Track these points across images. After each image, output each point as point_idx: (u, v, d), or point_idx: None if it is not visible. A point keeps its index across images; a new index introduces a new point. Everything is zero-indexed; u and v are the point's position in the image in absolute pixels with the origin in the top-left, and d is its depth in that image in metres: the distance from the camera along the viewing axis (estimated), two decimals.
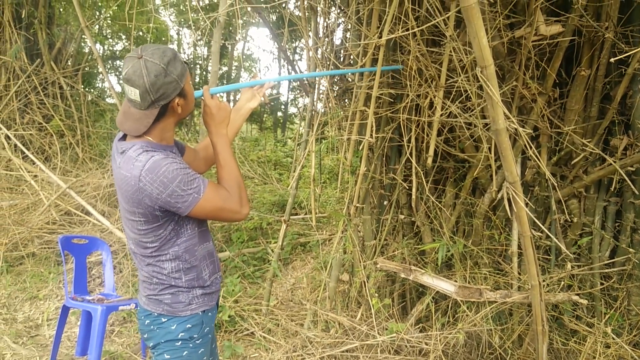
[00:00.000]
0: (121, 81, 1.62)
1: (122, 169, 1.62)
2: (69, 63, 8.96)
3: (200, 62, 14.88)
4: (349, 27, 3.81)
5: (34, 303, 4.39)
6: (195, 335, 1.79)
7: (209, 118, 1.80)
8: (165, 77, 1.57)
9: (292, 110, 17.43)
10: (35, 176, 6.36)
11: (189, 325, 1.78)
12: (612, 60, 2.68)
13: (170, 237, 1.72)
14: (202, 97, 1.82)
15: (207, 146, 2.07)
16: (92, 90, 11.12)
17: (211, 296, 1.87)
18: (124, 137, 1.75)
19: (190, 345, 1.78)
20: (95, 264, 4.94)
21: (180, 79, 1.62)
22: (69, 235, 3.55)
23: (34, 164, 6.64)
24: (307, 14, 3.94)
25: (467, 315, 3.37)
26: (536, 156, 2.78)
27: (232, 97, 13.62)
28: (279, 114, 17.36)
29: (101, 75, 11.34)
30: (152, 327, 1.80)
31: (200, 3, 11.58)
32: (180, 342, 1.77)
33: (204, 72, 14.89)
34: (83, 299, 3.26)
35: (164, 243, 1.72)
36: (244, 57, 16.82)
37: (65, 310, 3.30)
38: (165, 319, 1.77)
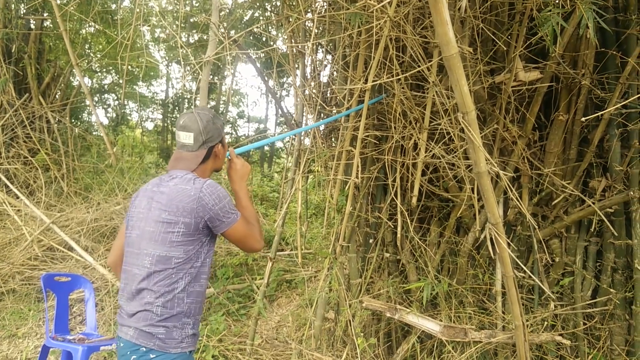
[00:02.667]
0: (175, 130, 2.05)
1: (180, 184, 1.92)
2: (57, 97, 8.98)
3: (188, 96, 15.01)
4: (336, 69, 3.92)
5: (13, 341, 4.29)
6: None
7: (233, 172, 2.18)
8: (213, 124, 2.05)
9: (278, 144, 17.55)
10: (19, 210, 6.28)
11: None
12: (583, 119, 2.78)
13: (193, 256, 1.92)
14: (229, 157, 2.20)
15: None
16: (79, 123, 11.11)
17: (195, 338, 1.97)
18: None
19: None
20: (76, 302, 4.85)
21: (221, 129, 2.10)
22: (51, 272, 3.50)
23: (17, 198, 6.58)
24: (295, 55, 4.05)
25: (452, 355, 3.36)
26: (517, 198, 2.85)
27: None
28: (266, 148, 17.47)
29: (89, 108, 11.37)
30: None
31: (191, 40, 11.78)
32: None
33: (192, 107, 15.00)
34: (64, 339, 3.20)
35: (187, 261, 1.90)
36: (232, 92, 16.99)
37: (45, 349, 3.23)
38: (154, 355, 1.82)
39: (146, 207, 1.97)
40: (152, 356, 1.82)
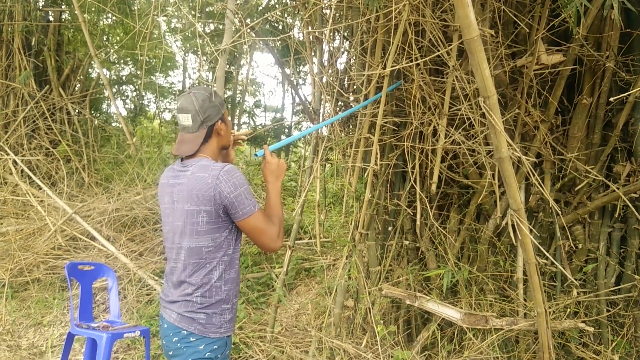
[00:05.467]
0: (175, 113, 2.04)
1: (197, 173, 1.92)
2: (77, 89, 9.08)
3: (205, 86, 15.01)
4: (354, 56, 3.88)
5: (39, 329, 4.38)
6: (219, 356, 1.99)
7: (268, 172, 2.14)
8: (210, 102, 2.02)
9: (295, 133, 17.52)
10: (42, 201, 6.39)
11: (216, 347, 1.97)
12: (612, 99, 2.71)
13: (223, 244, 1.96)
14: (264, 155, 2.16)
15: None
16: (98, 115, 11.23)
17: (232, 323, 2.08)
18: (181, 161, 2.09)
19: None
20: (99, 290, 4.94)
21: (221, 106, 2.07)
22: (75, 261, 3.56)
23: (40, 189, 6.69)
24: (312, 42, 4.02)
25: (473, 342, 3.35)
26: (539, 184, 2.80)
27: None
28: (283, 137, 17.47)
29: (108, 99, 11.47)
30: (179, 345, 1.95)
31: (207, 30, 11.79)
32: None
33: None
34: (88, 326, 3.25)
35: (218, 248, 1.96)
36: (249, 81, 16.98)
37: (70, 337, 3.30)
38: (195, 339, 1.94)
39: (169, 202, 2.02)
40: (192, 339, 1.94)
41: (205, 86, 2.07)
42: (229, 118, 2.18)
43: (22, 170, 7.13)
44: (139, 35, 4.19)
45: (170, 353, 1.99)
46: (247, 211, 1.92)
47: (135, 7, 6.70)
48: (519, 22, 3.13)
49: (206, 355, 1.94)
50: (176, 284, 2.01)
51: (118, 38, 10.66)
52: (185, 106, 1.99)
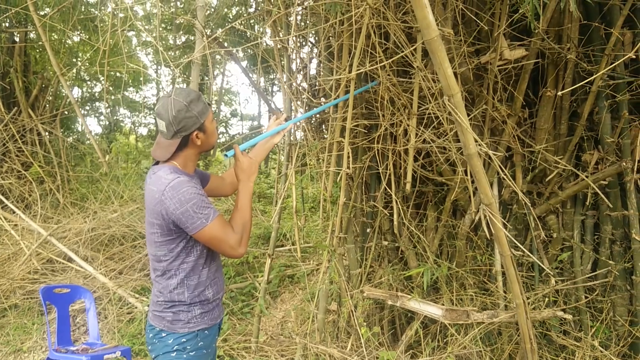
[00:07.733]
0: (154, 116, 1.99)
1: (151, 185, 1.92)
2: (47, 108, 8.92)
3: None
4: (321, 61, 3.89)
5: (19, 356, 4.28)
6: (188, 347, 2.01)
7: (240, 171, 2.12)
8: (186, 113, 1.91)
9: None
10: (15, 225, 6.27)
11: (184, 340, 2.01)
12: (559, 93, 2.76)
13: (181, 253, 1.97)
14: (235, 155, 2.12)
15: (233, 175, 2.40)
16: (71, 134, 11.05)
17: (210, 314, 2.09)
18: (156, 164, 2.08)
19: (184, 355, 2.00)
20: (79, 312, 4.85)
21: (200, 116, 1.95)
22: (50, 285, 3.50)
23: (13, 212, 6.56)
24: (279, 50, 4.02)
25: (456, 338, 3.37)
26: (509, 178, 2.83)
27: None
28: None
29: (79, 118, 11.29)
30: (154, 340, 2.05)
31: (178, 42, 11.70)
32: (175, 353, 2.00)
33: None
34: (67, 350, 3.20)
35: (175, 258, 1.97)
36: (223, 91, 16.92)
37: None
38: (165, 334, 2.02)
39: (145, 206, 2.04)
40: (163, 335, 2.02)
41: (189, 90, 1.96)
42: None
43: None
44: (104, 51, 4.14)
45: (149, 348, 2.10)
46: (198, 225, 1.87)
47: (100, 24, 6.61)
48: (480, 20, 3.17)
49: (174, 348, 2.00)
50: (152, 286, 2.09)
51: (87, 55, 10.51)
52: (161, 112, 1.91)
